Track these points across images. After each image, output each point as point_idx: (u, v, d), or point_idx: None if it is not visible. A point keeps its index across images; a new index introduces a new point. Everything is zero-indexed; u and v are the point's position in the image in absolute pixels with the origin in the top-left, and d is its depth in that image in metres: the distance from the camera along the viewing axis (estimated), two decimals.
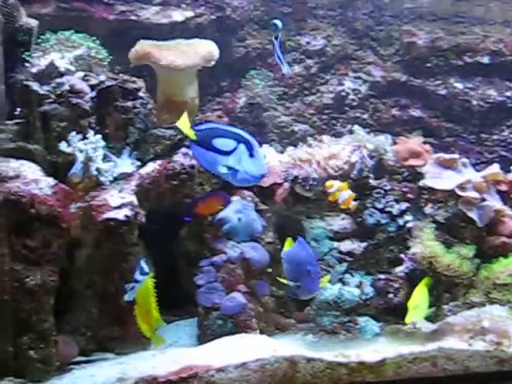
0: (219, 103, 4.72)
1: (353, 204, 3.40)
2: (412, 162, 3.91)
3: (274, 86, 4.75)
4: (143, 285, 2.66)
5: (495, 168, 3.85)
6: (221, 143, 2.77)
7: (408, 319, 3.13)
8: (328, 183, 3.45)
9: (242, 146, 2.75)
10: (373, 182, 3.84)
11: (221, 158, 2.77)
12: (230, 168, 2.75)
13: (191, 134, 2.82)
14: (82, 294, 3.21)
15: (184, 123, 2.84)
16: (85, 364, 3.07)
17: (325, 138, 4.00)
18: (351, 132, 4.16)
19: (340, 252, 3.87)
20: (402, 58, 4.87)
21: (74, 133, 3.23)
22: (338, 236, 3.90)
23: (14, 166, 3.06)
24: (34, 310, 2.91)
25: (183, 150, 3.51)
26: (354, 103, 4.82)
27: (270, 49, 4.79)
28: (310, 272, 2.83)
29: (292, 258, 2.94)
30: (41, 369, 2.90)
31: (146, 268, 2.66)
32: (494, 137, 4.71)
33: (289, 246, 3.03)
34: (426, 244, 3.54)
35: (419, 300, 3.17)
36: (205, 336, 3.28)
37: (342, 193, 3.36)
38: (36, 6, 4.19)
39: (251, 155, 2.74)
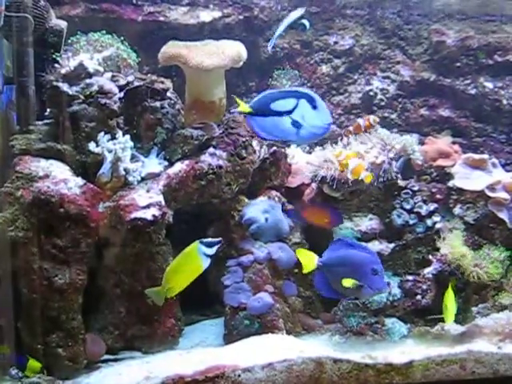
0: (247, 103, 4.71)
1: (365, 174, 3.31)
2: (441, 162, 3.87)
3: (301, 85, 4.73)
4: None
5: None
6: (281, 104, 2.75)
7: (448, 319, 3.13)
8: (336, 152, 3.43)
9: (302, 101, 2.72)
10: (401, 182, 3.80)
11: (283, 119, 2.74)
12: (294, 125, 2.72)
13: (246, 108, 2.84)
14: (109, 293, 3.24)
15: (240, 102, 2.89)
16: (112, 362, 3.10)
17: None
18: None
19: None
20: (431, 58, 4.82)
21: (102, 133, 3.26)
22: (366, 236, 3.87)
23: (43, 165, 3.11)
24: (63, 308, 2.95)
25: (211, 150, 3.51)
26: (382, 103, 4.80)
27: (297, 48, 4.81)
28: (376, 270, 2.78)
29: (343, 261, 2.87)
30: (69, 366, 2.95)
31: (208, 241, 2.80)
32: None
33: (304, 256, 2.97)
34: (452, 246, 3.50)
35: (453, 301, 3.16)
36: (231, 336, 3.28)
37: (351, 161, 3.33)
38: (65, 7, 4.25)
39: (314, 107, 2.71)
